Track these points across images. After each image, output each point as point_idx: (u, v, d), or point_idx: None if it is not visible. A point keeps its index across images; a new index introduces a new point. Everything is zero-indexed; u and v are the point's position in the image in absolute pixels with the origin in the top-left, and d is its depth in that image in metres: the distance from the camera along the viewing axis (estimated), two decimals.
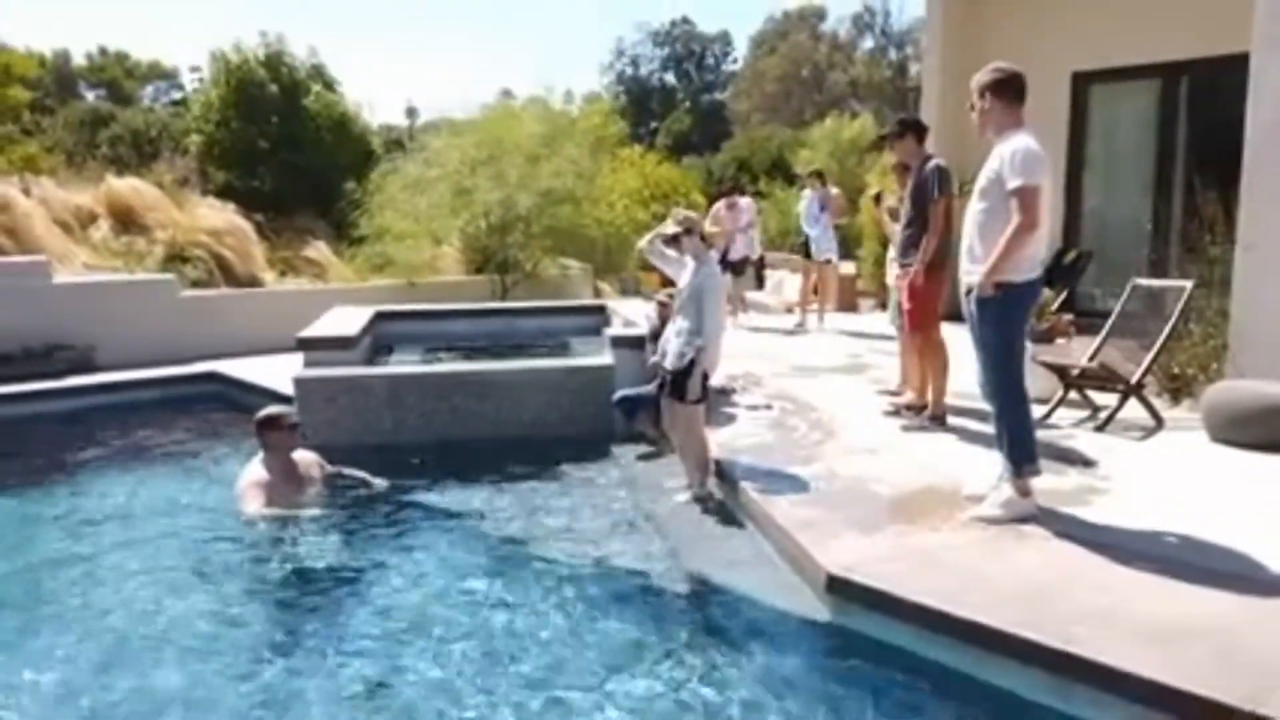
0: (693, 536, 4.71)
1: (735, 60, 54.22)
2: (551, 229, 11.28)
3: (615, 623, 3.87)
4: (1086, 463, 5.04)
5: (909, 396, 6.26)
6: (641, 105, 53.07)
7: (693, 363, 4.95)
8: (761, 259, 12.42)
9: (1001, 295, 4.10)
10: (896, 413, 6.16)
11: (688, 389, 4.99)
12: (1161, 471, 4.94)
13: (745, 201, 10.61)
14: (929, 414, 5.85)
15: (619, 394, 6.19)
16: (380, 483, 5.52)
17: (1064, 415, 5.96)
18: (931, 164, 5.78)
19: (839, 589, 3.68)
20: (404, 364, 7.24)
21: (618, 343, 6.74)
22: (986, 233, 4.13)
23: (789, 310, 11.53)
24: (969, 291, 4.22)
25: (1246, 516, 4.20)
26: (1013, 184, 3.99)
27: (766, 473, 5.05)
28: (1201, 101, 8.95)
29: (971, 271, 4.22)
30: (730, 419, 6.29)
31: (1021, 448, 4.21)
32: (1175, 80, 9.18)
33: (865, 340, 9.24)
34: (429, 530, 5.01)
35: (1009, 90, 4.18)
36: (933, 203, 5.70)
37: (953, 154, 10.29)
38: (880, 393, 6.76)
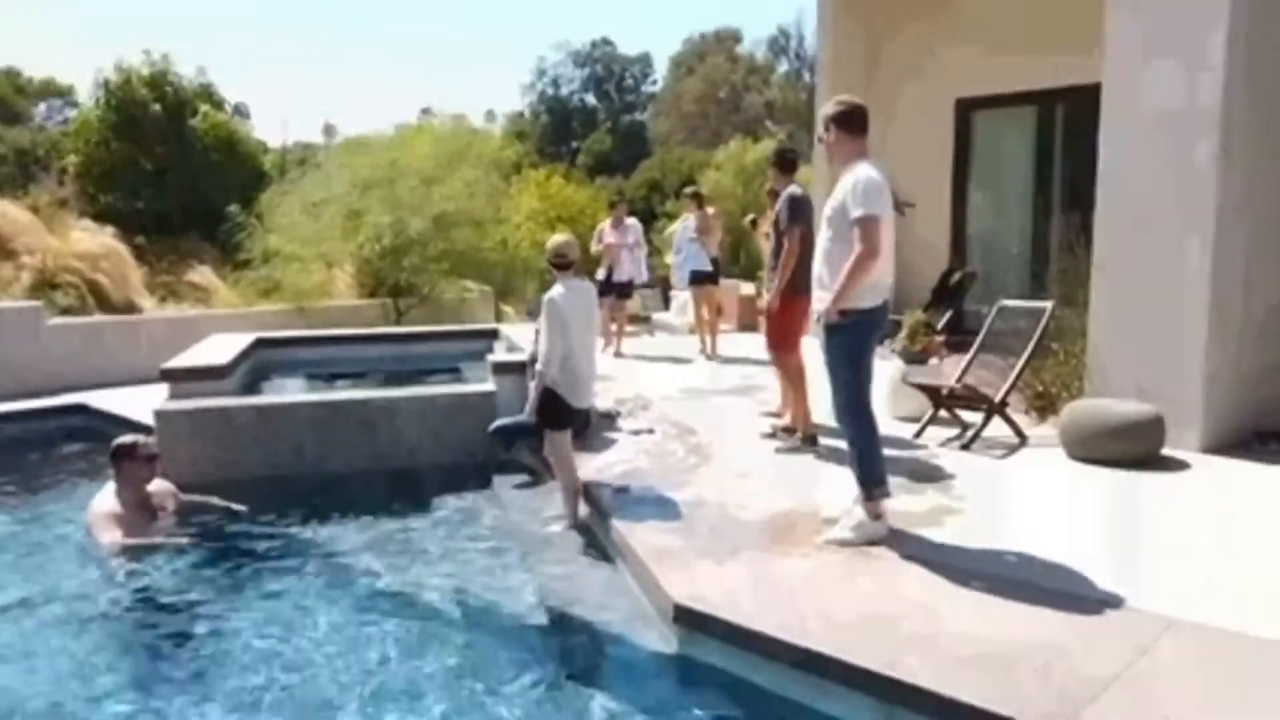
0: (558, 568, 4.65)
1: (655, 81, 54.83)
2: (449, 252, 11.16)
3: (464, 659, 3.78)
4: (942, 482, 5.15)
5: (788, 418, 6.33)
6: (563, 125, 53.22)
7: (547, 389, 4.95)
8: (666, 280, 12.48)
9: (847, 322, 4.16)
10: (774, 434, 6.22)
11: (541, 414, 5.00)
12: (1015, 490, 5.08)
13: (633, 220, 10.59)
14: (799, 436, 5.92)
15: (496, 423, 6.11)
16: (240, 509, 5.35)
17: (936, 434, 6.09)
18: (786, 193, 5.92)
19: (685, 619, 3.66)
20: (278, 393, 7.03)
21: (500, 369, 6.67)
22: (833, 261, 4.20)
23: (692, 331, 11.59)
24: (819, 318, 4.28)
25: (1089, 533, 4.33)
26: (855, 214, 4.06)
27: (635, 500, 5.03)
28: (1074, 128, 9.33)
29: (821, 299, 4.28)
30: (610, 444, 6.26)
31: (871, 470, 4.27)
32: (1051, 107, 9.56)
33: (759, 365, 9.33)
34: (291, 565, 4.85)
35: (852, 122, 4.27)
36: (785, 231, 5.82)
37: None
38: (764, 414, 6.82)
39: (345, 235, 10.95)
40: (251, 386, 7.25)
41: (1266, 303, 5.67)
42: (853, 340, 4.22)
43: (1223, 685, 3.02)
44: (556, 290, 5.00)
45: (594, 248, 10.19)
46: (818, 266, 4.32)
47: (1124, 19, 5.64)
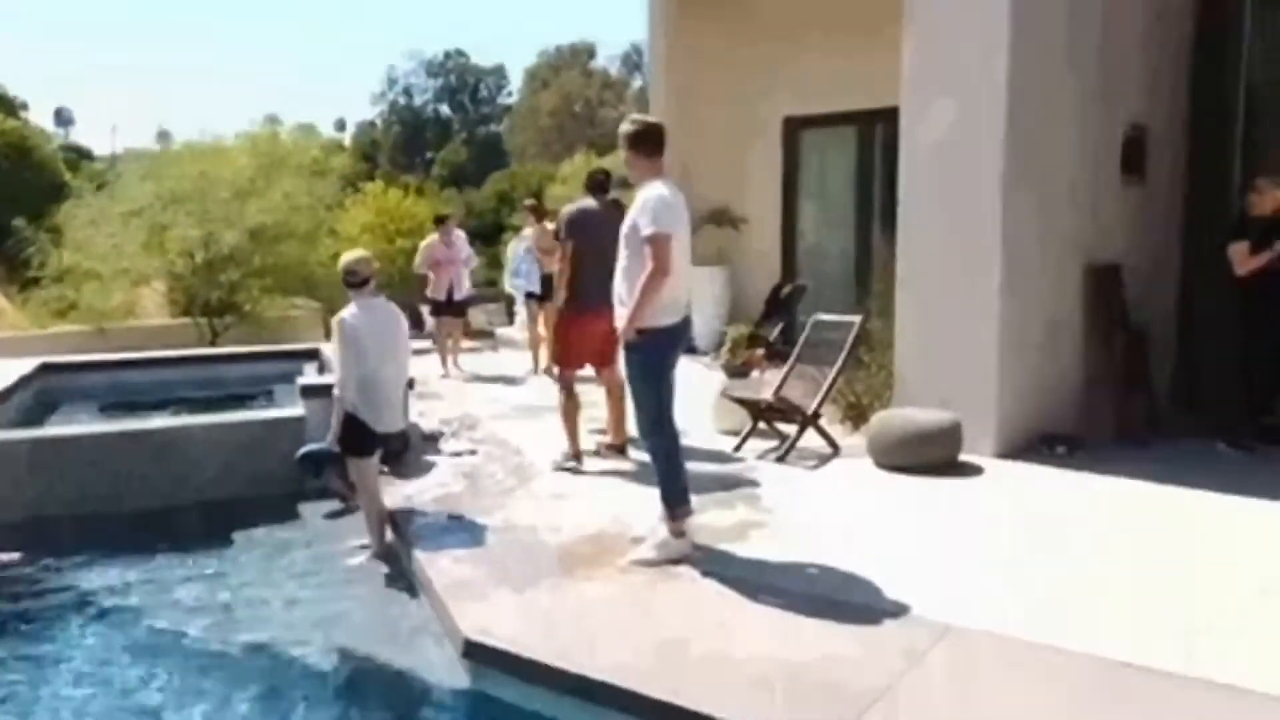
0: (354, 603, 4.41)
1: (511, 94, 54.49)
2: (272, 267, 10.59)
3: (244, 705, 3.51)
4: (754, 495, 5.21)
5: (611, 436, 6.28)
6: (416, 136, 52.09)
7: (346, 414, 4.72)
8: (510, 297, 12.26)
9: (645, 340, 4.14)
10: (597, 453, 6.15)
11: (342, 440, 4.77)
12: (823, 500, 5.18)
13: (461, 234, 10.34)
14: (565, 454, 5.87)
15: (303, 450, 5.78)
16: (10, 556, 4.84)
17: (757, 446, 6.18)
18: (563, 210, 5.99)
19: (474, 654, 3.51)
20: (64, 424, 6.44)
21: (309, 392, 6.32)
22: (629, 278, 4.17)
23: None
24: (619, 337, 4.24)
25: (885, 542, 4.44)
26: (645, 232, 4.04)
27: (442, 528, 4.85)
28: (892, 148, 9.74)
29: (622, 316, 4.24)
30: (428, 468, 6.04)
31: (673, 488, 4.25)
32: (871, 127, 9.96)
33: (594, 381, 9.26)
34: (67, 613, 4.42)
35: (646, 142, 4.26)
36: (560, 246, 5.82)
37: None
38: (592, 432, 6.74)
39: (150, 251, 10.20)
40: (35, 417, 6.62)
41: (1047, 318, 6.02)
42: (652, 358, 4.20)
43: (989, 692, 3.13)
44: (349, 311, 4.77)
45: (419, 266, 9.89)
46: (617, 284, 4.28)
47: (916, 45, 5.90)
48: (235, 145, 11.35)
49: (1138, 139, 6.19)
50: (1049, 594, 3.78)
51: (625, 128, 4.32)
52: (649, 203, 4.06)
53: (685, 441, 6.47)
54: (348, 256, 5.02)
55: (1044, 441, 5.86)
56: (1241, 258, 5.59)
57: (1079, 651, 3.25)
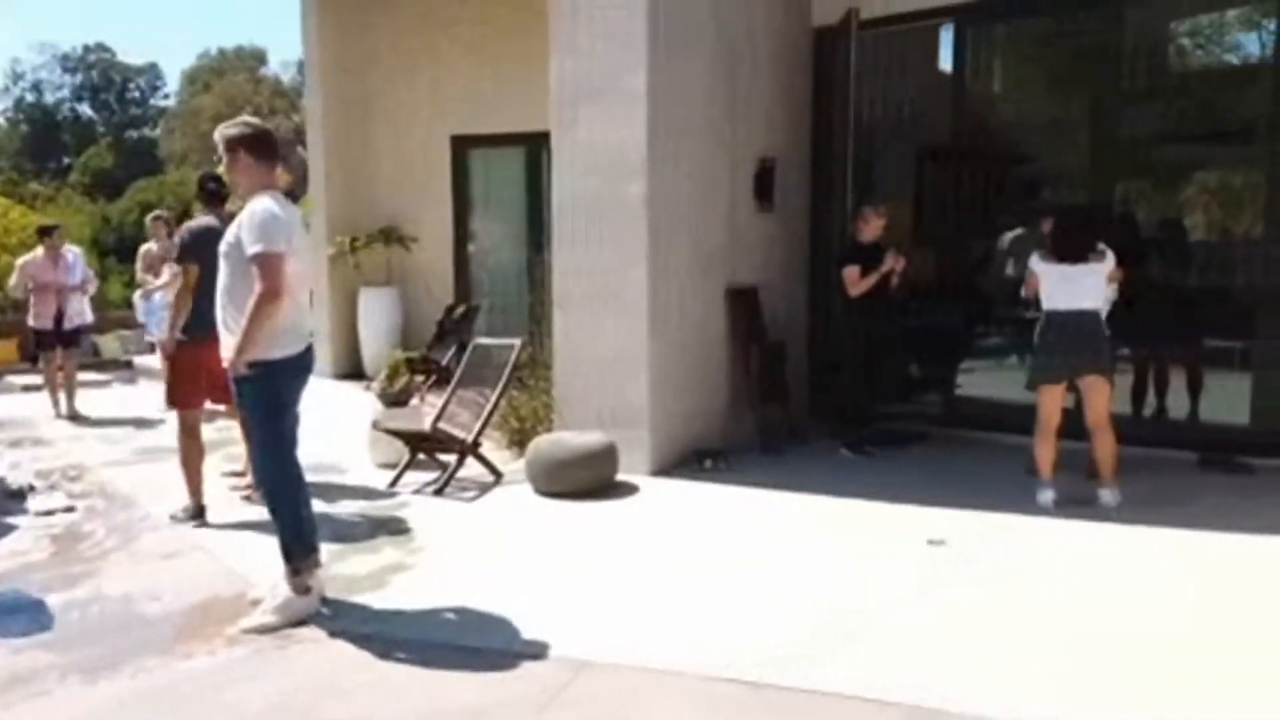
0: None
1: (167, 95, 49.22)
2: None
3: None
4: (403, 534, 4.85)
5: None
6: (49, 137, 45.47)
7: None
8: None
9: (259, 372, 3.65)
10: (248, 498, 5.41)
11: None
12: (477, 535, 4.94)
13: (75, 249, 8.95)
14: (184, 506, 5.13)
15: None
16: None
17: (419, 478, 5.81)
18: (183, 228, 5.37)
19: None
20: None
21: None
22: (233, 302, 3.67)
23: None
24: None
25: (536, 575, 4.27)
26: (251, 250, 3.57)
27: (11, 607, 3.97)
28: None
29: (229, 345, 3.71)
30: (7, 531, 4.99)
31: (296, 538, 3.79)
32: (539, 147, 9.97)
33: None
34: None
35: (258, 147, 3.78)
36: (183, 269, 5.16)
37: (341, 212, 10.08)
38: (225, 474, 5.98)
39: None
40: None
41: (695, 338, 6.27)
42: (268, 392, 3.71)
43: None
44: None
45: (14, 288, 8.40)
46: (220, 309, 3.75)
47: (561, 62, 5.91)
48: None
49: (768, 170, 6.66)
50: (688, 614, 3.80)
51: (232, 131, 3.81)
52: (256, 217, 3.59)
53: (340, 479, 6.04)
54: None
55: (696, 457, 6.07)
56: (853, 280, 6.18)
57: (715, 675, 3.25)
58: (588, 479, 5.53)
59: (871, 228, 6.31)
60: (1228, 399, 6.18)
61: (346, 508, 5.35)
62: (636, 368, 5.87)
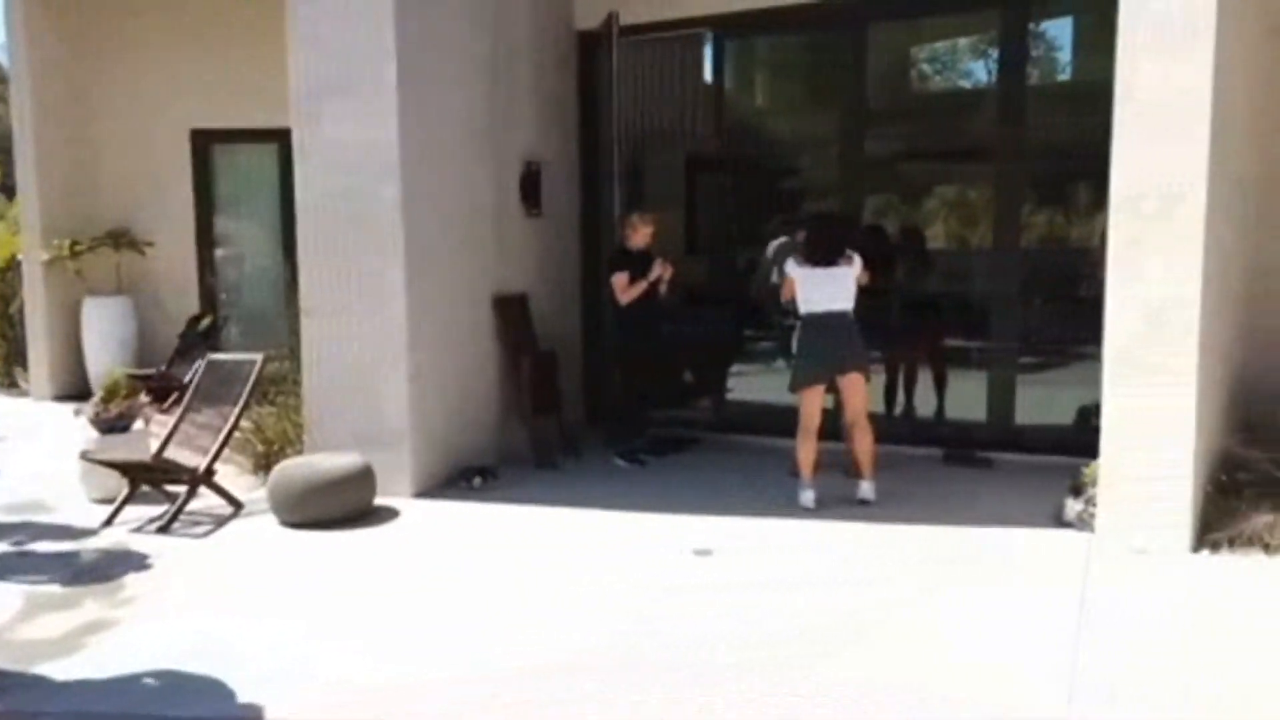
0: None
1: None
2: None
3: None
4: (112, 583, 4.20)
5: None
6: None
7: None
8: None
9: None
10: None
11: None
12: (203, 578, 4.36)
13: None
14: None
15: None
16: None
17: (141, 513, 5.09)
18: None
19: None
20: None
21: None
22: None
23: None
24: None
25: (257, 624, 3.78)
26: None
27: None
28: None
29: None
30: None
31: None
32: (289, 145, 9.22)
33: None
34: None
35: None
36: None
37: (60, 212, 8.84)
38: None
39: None
40: None
41: (460, 348, 5.94)
42: None
43: None
44: None
45: None
46: None
47: (303, 57, 5.41)
48: None
49: (534, 173, 6.44)
50: (423, 650, 3.49)
51: None
52: None
53: (46, 518, 5.20)
54: None
55: (463, 475, 5.73)
56: (621, 287, 6.08)
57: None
58: (340, 506, 5.06)
59: (639, 235, 6.24)
60: (969, 397, 6.61)
61: (44, 554, 4.59)
62: (395, 381, 5.45)
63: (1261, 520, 3.94)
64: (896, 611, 3.74)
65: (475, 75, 5.94)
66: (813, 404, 5.18)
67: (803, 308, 5.16)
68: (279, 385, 6.08)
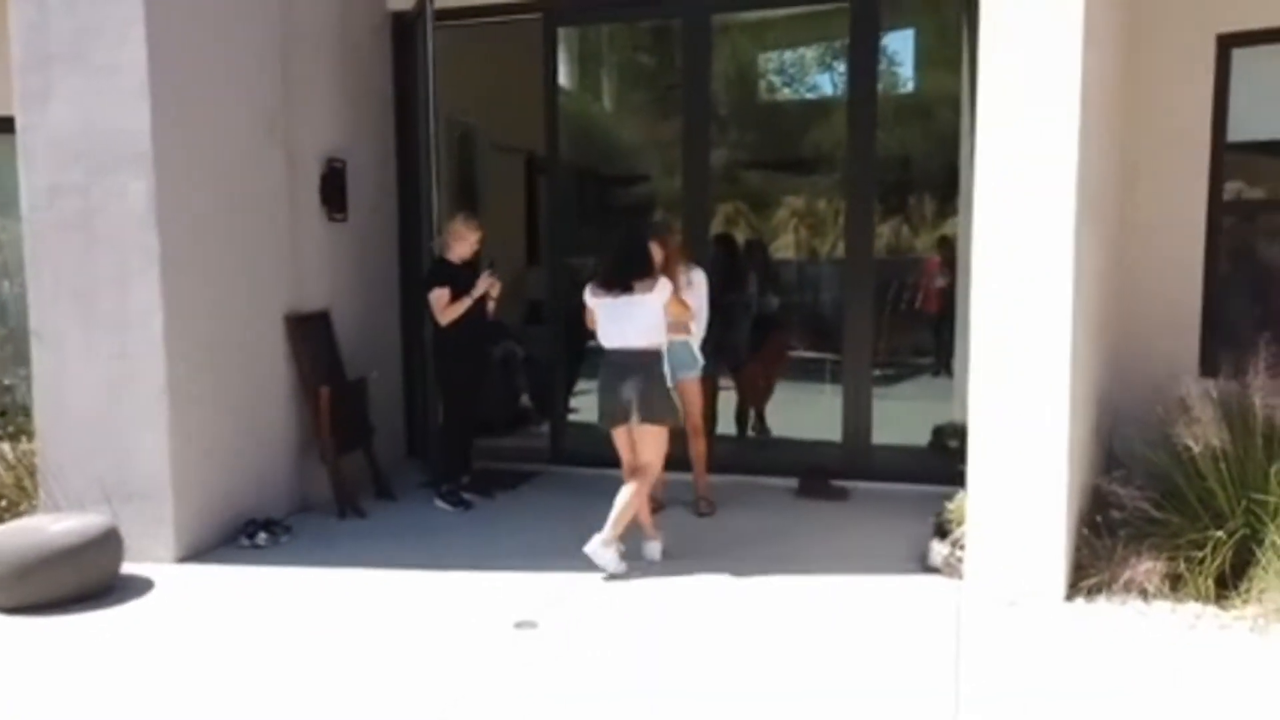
0: None
1: None
2: None
3: None
4: None
5: None
6: None
7: None
8: None
9: None
10: None
11: None
12: None
13: None
14: None
15: None
16: None
17: None
18: None
19: None
20: None
21: None
22: None
23: None
24: None
25: None
26: None
27: None
28: None
29: None
30: None
31: None
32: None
33: None
34: None
35: None
36: None
37: None
38: None
39: None
40: None
41: (239, 376, 4.99)
42: None
43: None
44: None
45: None
46: None
47: (23, 12, 4.35)
48: None
49: (337, 172, 5.54)
50: None
51: None
52: None
53: None
54: None
55: (244, 530, 4.79)
56: (441, 305, 5.25)
57: None
58: (76, 580, 4.05)
59: (464, 244, 5.41)
60: (824, 420, 6.17)
61: None
62: (152, 418, 4.45)
63: (1142, 567, 3.57)
64: (743, 706, 3.13)
65: (260, 52, 5.01)
66: (623, 450, 4.47)
67: (602, 340, 4.43)
68: (5, 424, 4.95)
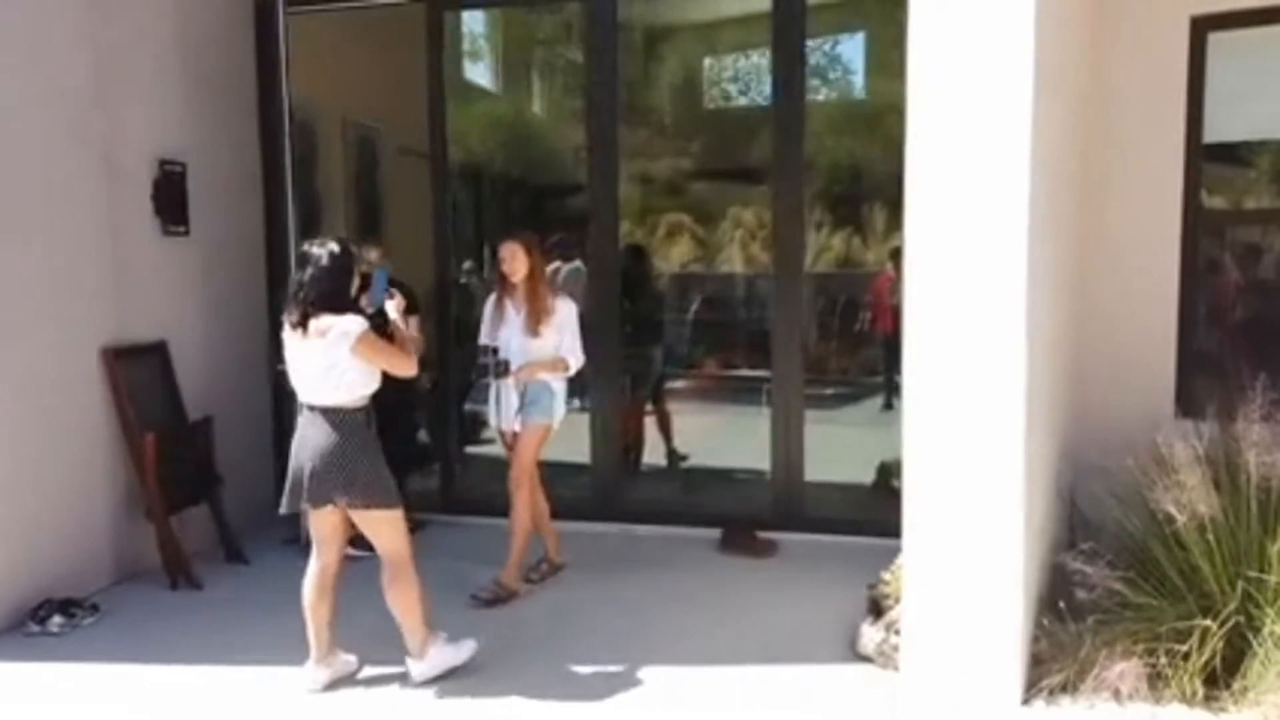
0: None
1: None
2: None
3: None
4: None
5: None
6: None
7: None
8: None
9: None
10: None
11: None
12: None
13: None
14: None
15: None
16: None
17: None
18: None
19: None
20: None
21: None
22: None
23: None
24: None
25: None
26: None
27: None
28: None
29: None
30: None
31: None
32: None
33: None
34: None
35: None
36: None
37: None
38: None
39: None
40: None
41: (54, 420, 4.15)
42: None
43: None
44: None
45: None
46: None
47: None
48: None
49: (173, 178, 4.72)
50: None
51: None
52: None
53: None
54: None
55: (35, 614, 3.93)
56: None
57: None
58: None
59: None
60: (755, 452, 5.43)
61: None
62: None
63: (1116, 668, 2.84)
64: None
65: (63, 28, 4.18)
66: (323, 532, 3.34)
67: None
68: None
